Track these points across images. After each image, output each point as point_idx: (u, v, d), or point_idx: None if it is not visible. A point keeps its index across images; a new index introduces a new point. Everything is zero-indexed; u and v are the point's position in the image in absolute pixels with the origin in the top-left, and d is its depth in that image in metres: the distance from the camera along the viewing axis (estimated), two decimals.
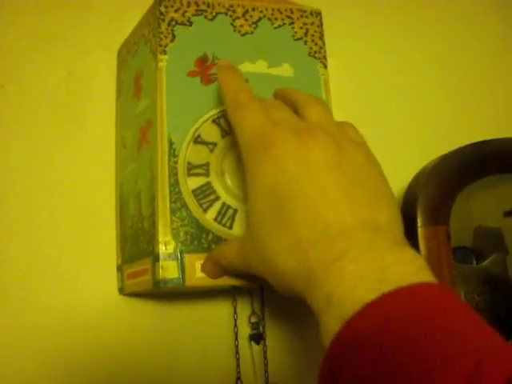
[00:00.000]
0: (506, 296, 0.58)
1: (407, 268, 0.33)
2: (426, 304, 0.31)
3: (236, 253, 0.44)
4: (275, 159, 0.39)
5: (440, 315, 0.31)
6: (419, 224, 0.51)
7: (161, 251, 0.46)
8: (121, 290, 0.55)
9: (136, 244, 0.51)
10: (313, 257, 0.36)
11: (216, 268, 0.46)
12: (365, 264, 0.33)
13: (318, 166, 0.38)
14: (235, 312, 0.53)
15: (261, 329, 0.56)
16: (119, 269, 0.55)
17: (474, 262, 0.62)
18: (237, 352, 0.53)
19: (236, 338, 0.53)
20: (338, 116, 0.53)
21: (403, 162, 0.60)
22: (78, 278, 0.55)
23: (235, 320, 0.53)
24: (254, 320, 0.56)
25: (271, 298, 0.56)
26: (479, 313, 0.55)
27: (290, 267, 0.37)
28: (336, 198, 0.37)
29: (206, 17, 0.52)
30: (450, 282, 0.51)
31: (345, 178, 0.38)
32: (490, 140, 0.54)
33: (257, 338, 0.55)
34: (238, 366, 0.53)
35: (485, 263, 0.61)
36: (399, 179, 0.57)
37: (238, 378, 0.53)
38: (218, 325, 0.56)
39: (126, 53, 0.58)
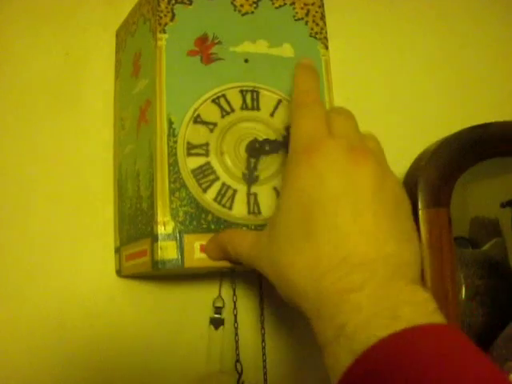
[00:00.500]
0: (505, 280, 0.58)
1: (420, 309, 0.34)
2: (437, 345, 0.31)
3: (248, 246, 0.43)
4: (318, 168, 0.38)
5: (451, 357, 0.31)
6: (420, 206, 0.51)
7: (159, 231, 0.46)
8: (118, 273, 0.54)
9: (135, 225, 0.51)
10: (329, 281, 0.36)
11: (219, 252, 0.46)
12: (380, 300, 0.34)
13: (362, 189, 0.37)
14: (234, 294, 0.53)
15: (222, 314, 0.55)
16: (117, 251, 0.55)
17: None
18: (236, 334, 0.53)
19: (235, 321, 0.53)
20: (338, 97, 0.53)
21: (405, 144, 0.59)
22: (76, 260, 0.54)
23: (234, 302, 0.53)
24: (218, 304, 0.56)
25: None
26: (479, 296, 0.56)
27: (303, 284, 0.37)
28: (368, 228, 0.37)
29: None
30: (451, 264, 0.50)
31: (381, 209, 0.37)
32: (491, 123, 0.54)
33: (216, 322, 0.55)
34: (236, 348, 0.53)
35: (485, 248, 0.61)
36: (401, 162, 0.57)
37: (237, 361, 0.53)
38: (211, 308, 0.55)
39: (124, 33, 0.57)
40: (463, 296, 0.56)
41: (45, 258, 0.54)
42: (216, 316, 0.56)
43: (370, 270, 0.35)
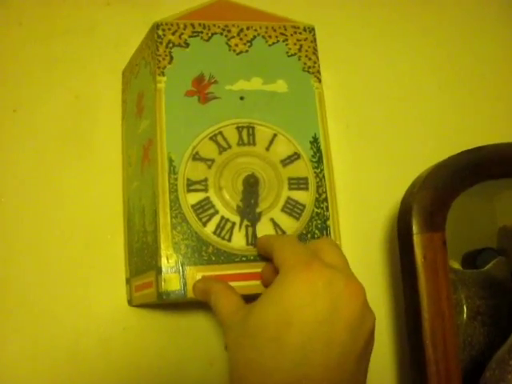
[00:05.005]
0: (507, 300, 0.58)
1: None
2: None
3: (227, 312, 0.44)
4: (313, 286, 0.40)
5: None
6: (414, 231, 0.52)
7: (163, 264, 0.49)
8: (129, 302, 0.57)
9: (142, 258, 0.54)
10: None
11: (204, 295, 0.47)
12: None
13: (342, 322, 0.39)
14: None
15: None
16: (128, 281, 0.58)
17: None
18: None
19: None
20: (333, 128, 0.55)
21: (400, 172, 0.61)
22: (89, 291, 0.57)
23: None
24: None
25: None
26: (480, 316, 0.57)
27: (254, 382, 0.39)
28: (330, 364, 0.38)
29: (202, 38, 0.54)
30: (447, 288, 0.52)
31: (352, 348, 0.39)
32: (482, 146, 0.55)
33: None
34: None
35: (487, 267, 0.61)
36: (396, 189, 0.58)
37: None
38: (222, 334, 0.58)
39: (129, 74, 0.61)
40: (465, 316, 0.57)
41: (60, 289, 0.57)
42: None
43: None
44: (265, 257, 0.49)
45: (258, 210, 0.51)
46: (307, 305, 0.39)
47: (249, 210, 0.51)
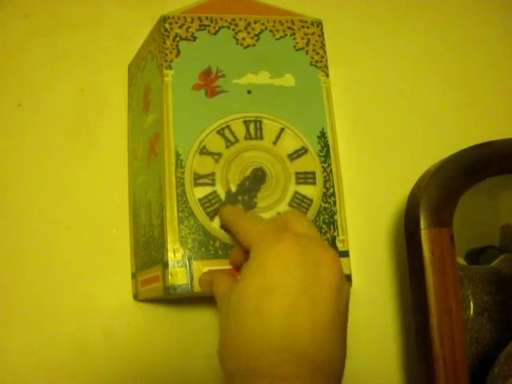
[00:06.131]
0: None
1: None
2: None
3: (222, 290, 0.44)
4: (289, 255, 0.40)
5: None
6: (422, 226, 0.52)
7: (170, 258, 0.48)
8: (135, 297, 0.57)
9: (148, 252, 0.53)
10: (267, 362, 0.37)
11: (208, 286, 0.47)
12: None
13: (324, 287, 0.39)
14: None
15: None
16: (133, 276, 0.57)
17: None
18: None
19: None
20: (340, 123, 0.54)
21: (407, 167, 0.61)
22: (95, 285, 0.57)
23: None
24: None
25: None
26: (487, 312, 0.57)
27: (242, 353, 0.38)
28: (318, 326, 0.38)
29: (209, 31, 0.54)
30: (454, 284, 0.51)
31: (335, 311, 0.39)
32: (491, 141, 0.55)
33: None
34: None
35: (494, 263, 0.61)
36: (403, 184, 0.58)
37: None
38: None
39: (135, 68, 0.60)
40: (471, 312, 0.57)
41: (65, 284, 0.57)
42: None
43: (305, 366, 0.37)
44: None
45: (265, 204, 0.51)
46: (288, 272, 0.39)
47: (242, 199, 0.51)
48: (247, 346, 0.38)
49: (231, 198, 0.50)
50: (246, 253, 0.43)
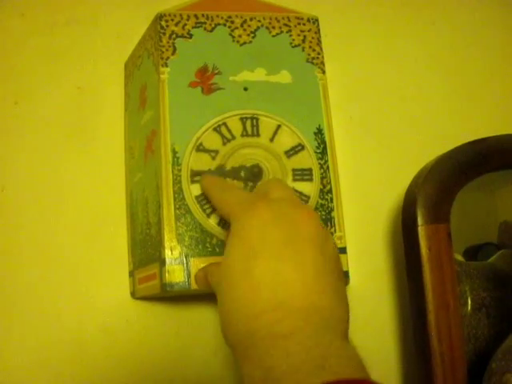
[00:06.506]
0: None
1: (348, 362, 0.34)
2: None
3: (217, 276, 0.44)
4: (265, 217, 0.40)
5: None
6: (419, 223, 0.52)
7: (167, 256, 0.48)
8: (133, 295, 0.57)
9: (145, 250, 0.53)
10: (262, 323, 0.37)
11: (203, 280, 0.47)
12: (310, 349, 0.34)
13: (306, 241, 0.40)
14: None
15: None
16: (131, 274, 0.57)
17: None
18: None
19: None
20: (337, 120, 0.54)
21: (404, 163, 0.61)
22: (92, 283, 0.57)
23: None
24: None
25: None
26: (485, 308, 0.57)
27: (236, 322, 0.38)
28: (307, 279, 0.38)
29: (205, 28, 0.54)
30: (452, 280, 0.51)
31: (322, 263, 0.39)
32: (487, 137, 0.55)
33: None
34: None
35: (491, 259, 0.61)
36: (400, 181, 0.58)
37: None
38: None
39: (131, 66, 0.60)
40: (469, 308, 0.57)
41: (63, 282, 0.57)
42: None
43: (303, 319, 0.36)
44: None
45: None
46: (266, 234, 0.40)
47: None
48: (242, 311, 0.38)
49: None
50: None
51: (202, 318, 0.58)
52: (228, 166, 0.51)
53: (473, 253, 0.65)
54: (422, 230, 0.52)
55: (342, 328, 0.38)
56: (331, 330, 0.37)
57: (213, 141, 0.51)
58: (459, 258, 0.62)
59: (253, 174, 0.51)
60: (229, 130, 0.52)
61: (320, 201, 0.52)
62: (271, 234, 0.40)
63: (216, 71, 0.53)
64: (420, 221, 0.52)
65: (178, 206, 0.50)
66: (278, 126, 0.53)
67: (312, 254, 0.39)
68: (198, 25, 0.54)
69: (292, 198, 0.44)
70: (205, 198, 0.50)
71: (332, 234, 0.51)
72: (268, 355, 0.35)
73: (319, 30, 0.56)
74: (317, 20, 0.56)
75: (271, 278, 0.38)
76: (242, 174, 0.51)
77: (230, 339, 0.39)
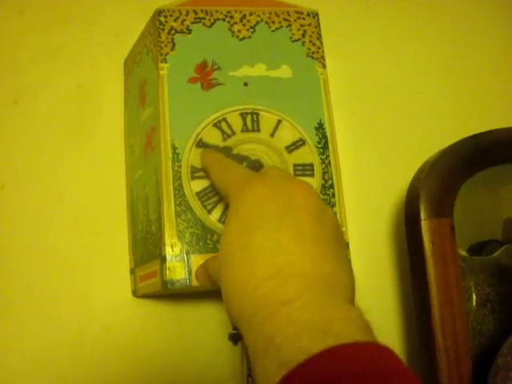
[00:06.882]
0: None
1: (352, 325, 0.33)
2: (369, 362, 0.31)
3: (217, 267, 0.43)
4: (260, 191, 0.40)
5: (380, 375, 0.30)
6: (422, 217, 0.52)
7: (167, 253, 0.48)
8: (134, 293, 0.57)
9: (146, 247, 0.53)
10: (262, 291, 0.36)
11: (206, 277, 0.47)
12: (312, 313, 0.33)
13: (303, 212, 0.39)
14: None
15: None
16: (132, 272, 0.57)
17: None
18: (246, 350, 0.54)
19: None
20: (338, 115, 0.54)
21: (406, 158, 0.61)
22: (93, 282, 0.57)
23: None
24: None
25: None
26: (490, 304, 0.56)
27: (238, 295, 0.37)
28: (306, 245, 0.37)
29: (204, 24, 0.53)
30: (456, 274, 0.51)
31: (321, 233, 0.39)
32: (489, 131, 0.55)
33: (235, 338, 0.55)
34: (248, 362, 0.54)
35: (495, 254, 0.61)
36: (402, 176, 0.58)
37: (249, 375, 0.54)
38: (229, 324, 0.57)
39: (131, 62, 0.60)
40: (474, 304, 0.56)
41: (63, 281, 0.56)
42: (234, 331, 0.57)
43: (304, 283, 0.35)
44: None
45: None
46: (263, 208, 0.39)
47: None
48: (242, 283, 0.37)
49: None
50: None
51: (204, 316, 0.58)
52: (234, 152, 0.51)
53: (477, 250, 0.64)
54: (425, 225, 0.51)
55: (346, 293, 0.37)
56: (334, 294, 0.36)
57: (213, 136, 0.51)
58: (463, 253, 0.62)
59: (254, 169, 0.50)
60: (229, 126, 0.51)
61: (322, 196, 0.51)
62: (268, 207, 0.39)
63: (215, 67, 0.52)
64: (423, 215, 0.52)
65: (178, 203, 0.49)
66: (279, 121, 0.52)
67: (310, 223, 0.38)
68: (197, 20, 0.53)
69: (288, 174, 0.45)
70: (205, 193, 0.49)
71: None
72: (269, 323, 0.34)
73: (319, 24, 0.56)
74: (317, 14, 0.56)
75: (269, 248, 0.37)
76: (244, 165, 0.50)
77: (234, 314, 0.38)
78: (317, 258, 0.37)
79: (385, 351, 0.32)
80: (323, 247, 0.38)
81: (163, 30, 0.52)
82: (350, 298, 0.37)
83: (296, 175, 0.51)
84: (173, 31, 0.53)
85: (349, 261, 0.41)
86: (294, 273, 0.36)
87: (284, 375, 0.31)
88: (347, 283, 0.38)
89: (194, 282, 0.48)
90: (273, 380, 0.31)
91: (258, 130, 0.52)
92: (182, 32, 0.53)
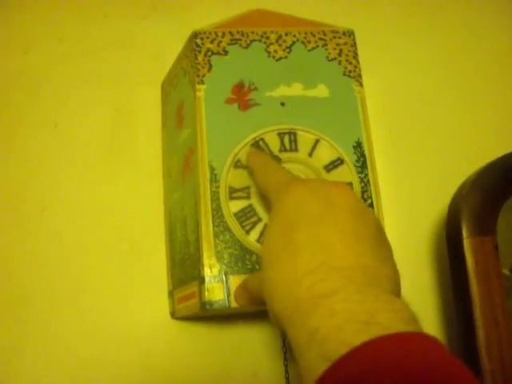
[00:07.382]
0: None
1: (396, 316, 0.32)
2: (413, 352, 0.30)
3: (257, 281, 0.43)
4: (300, 193, 0.41)
5: (425, 365, 0.29)
6: (464, 235, 0.51)
7: (206, 274, 0.48)
8: (172, 315, 0.57)
9: (184, 268, 0.53)
10: (304, 286, 0.35)
11: (246, 296, 0.47)
12: (355, 305, 0.33)
13: (344, 211, 0.39)
14: (282, 333, 0.54)
15: None
16: (170, 294, 0.57)
17: None
18: (286, 372, 0.54)
19: (285, 358, 0.54)
20: (377, 133, 0.53)
21: (446, 176, 0.60)
22: (131, 303, 0.57)
23: (283, 340, 0.54)
24: None
25: None
26: None
27: (281, 294, 0.37)
28: (348, 241, 0.37)
29: (240, 45, 0.54)
30: (501, 294, 0.50)
31: (362, 230, 0.38)
32: None
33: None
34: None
35: None
36: (443, 193, 0.57)
37: None
38: (267, 346, 0.56)
39: (168, 85, 0.60)
40: None
41: (101, 302, 0.57)
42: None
43: (346, 276, 0.35)
44: None
45: None
46: (304, 207, 0.39)
47: None
48: (284, 280, 0.37)
49: None
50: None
51: (243, 337, 0.57)
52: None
53: None
54: (467, 243, 0.50)
55: (389, 286, 0.36)
56: (377, 286, 0.35)
57: None
58: (506, 271, 0.60)
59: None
60: (267, 146, 0.51)
61: None
62: (309, 207, 0.39)
63: (252, 87, 0.53)
64: (465, 233, 0.51)
65: (216, 224, 0.49)
66: (317, 141, 0.52)
67: (352, 221, 0.38)
68: (233, 41, 0.54)
69: (326, 180, 0.45)
70: (243, 214, 0.49)
71: None
72: (311, 316, 0.33)
73: (355, 42, 0.56)
74: (352, 33, 0.56)
75: (311, 244, 0.37)
76: None
77: (277, 312, 0.37)
78: (358, 252, 0.37)
79: (431, 341, 0.31)
80: (365, 243, 0.38)
81: (200, 52, 0.53)
82: (395, 291, 0.37)
83: None
84: (209, 53, 0.53)
85: (391, 255, 0.40)
86: (336, 266, 0.36)
87: (327, 367, 0.30)
88: (391, 276, 0.37)
89: (233, 303, 0.47)
90: (316, 372, 0.31)
91: (296, 150, 0.52)
92: (218, 53, 0.53)
